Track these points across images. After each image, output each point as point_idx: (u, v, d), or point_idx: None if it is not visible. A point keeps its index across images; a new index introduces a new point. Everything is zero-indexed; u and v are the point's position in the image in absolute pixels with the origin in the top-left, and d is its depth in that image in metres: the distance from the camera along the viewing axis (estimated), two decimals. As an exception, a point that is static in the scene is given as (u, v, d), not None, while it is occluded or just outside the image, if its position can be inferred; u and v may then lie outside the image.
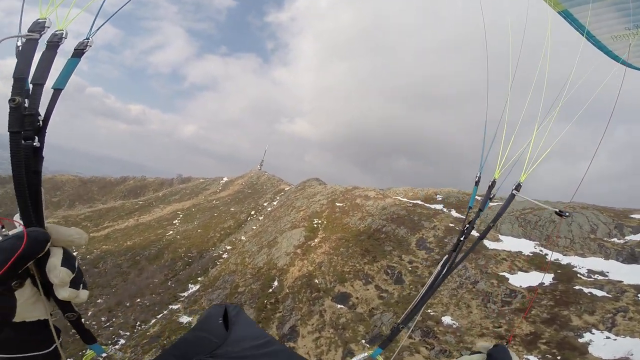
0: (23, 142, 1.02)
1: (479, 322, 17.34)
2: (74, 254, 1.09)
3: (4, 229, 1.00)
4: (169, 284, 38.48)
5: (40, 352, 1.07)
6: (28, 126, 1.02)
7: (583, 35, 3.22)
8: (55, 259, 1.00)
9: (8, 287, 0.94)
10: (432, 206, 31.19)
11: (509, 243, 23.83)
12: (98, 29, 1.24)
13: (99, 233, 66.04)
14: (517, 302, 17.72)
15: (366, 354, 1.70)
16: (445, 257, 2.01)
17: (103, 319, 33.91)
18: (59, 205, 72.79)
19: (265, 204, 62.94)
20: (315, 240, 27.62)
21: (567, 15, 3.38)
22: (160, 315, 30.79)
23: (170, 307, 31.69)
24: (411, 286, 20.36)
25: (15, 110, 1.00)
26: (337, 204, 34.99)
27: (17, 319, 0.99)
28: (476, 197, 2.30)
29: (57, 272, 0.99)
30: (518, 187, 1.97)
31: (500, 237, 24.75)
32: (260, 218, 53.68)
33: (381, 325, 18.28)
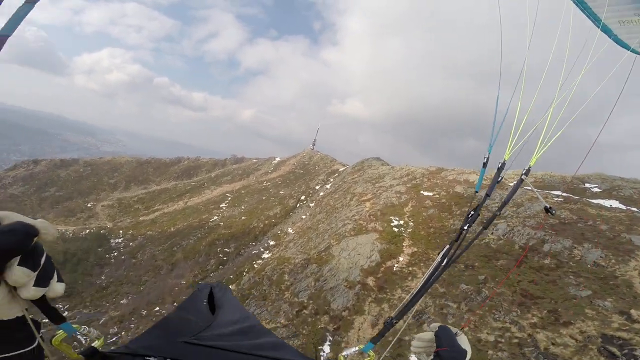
0: None
1: None
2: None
3: None
4: (197, 289, 28.99)
5: (24, 350, 0.97)
6: None
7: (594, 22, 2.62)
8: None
9: None
10: (602, 202, 16.27)
11: None
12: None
13: (147, 217, 60.09)
14: None
15: (357, 348, 1.43)
16: (446, 247, 1.64)
17: (112, 330, 25.56)
18: (115, 187, 68.60)
19: (317, 187, 50.96)
20: (400, 259, 14.71)
21: None
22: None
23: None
24: None
25: None
26: (425, 194, 21.39)
27: None
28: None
29: (11, 272, 0.84)
30: (528, 171, 1.65)
31: None
32: (311, 205, 41.91)
33: None
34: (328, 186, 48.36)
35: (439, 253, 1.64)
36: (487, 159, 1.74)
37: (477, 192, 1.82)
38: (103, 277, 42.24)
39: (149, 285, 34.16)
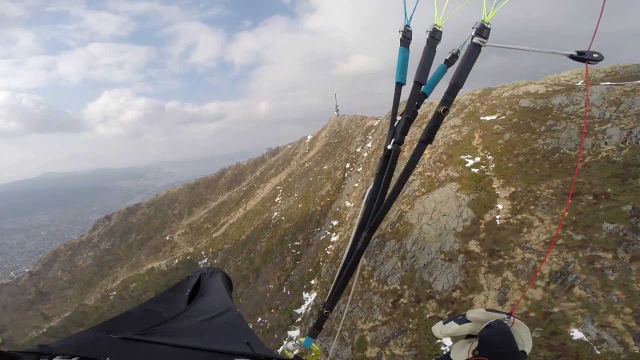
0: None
1: None
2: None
3: None
4: (284, 290, 28.60)
5: None
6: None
7: None
8: None
9: None
10: None
11: None
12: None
13: (218, 232, 62.61)
14: None
15: (297, 341, 1.13)
16: (369, 188, 1.03)
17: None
18: (180, 216, 72.40)
19: (358, 150, 47.72)
20: (499, 207, 11.54)
21: None
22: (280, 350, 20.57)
23: (289, 333, 21.33)
24: None
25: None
26: (487, 119, 17.33)
27: None
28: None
29: None
30: (483, 30, 0.85)
31: None
32: (359, 170, 39.17)
33: None
34: (369, 145, 44.87)
35: (362, 198, 1.06)
36: (404, 31, 0.96)
37: (400, 83, 1.01)
38: (202, 299, 45.36)
39: (243, 297, 35.20)
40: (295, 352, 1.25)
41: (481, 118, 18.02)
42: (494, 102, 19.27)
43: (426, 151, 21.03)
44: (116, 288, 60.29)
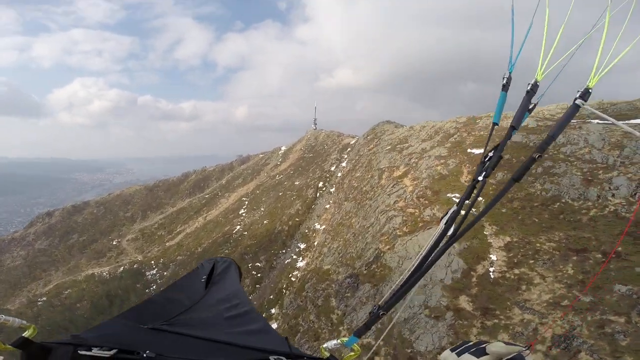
0: None
1: None
2: None
3: None
4: (238, 317, 25.82)
5: None
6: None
7: None
8: None
9: None
10: None
11: None
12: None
13: (173, 241, 57.58)
14: None
15: (339, 341, 1.22)
16: (452, 209, 1.15)
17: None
18: (133, 219, 66.24)
19: (332, 169, 46.40)
20: (493, 257, 10.16)
21: None
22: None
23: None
24: None
25: None
26: (476, 152, 16.53)
27: None
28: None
29: None
30: (585, 94, 0.97)
31: None
32: (332, 190, 37.67)
33: None
34: (344, 164, 43.77)
35: (441, 218, 1.15)
36: (508, 79, 1.13)
37: (496, 123, 1.17)
38: (144, 317, 40.50)
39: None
40: (331, 352, 1.18)
41: (469, 150, 17.19)
42: (482, 132, 18.65)
43: (408, 183, 19.90)
44: (47, 293, 52.52)
